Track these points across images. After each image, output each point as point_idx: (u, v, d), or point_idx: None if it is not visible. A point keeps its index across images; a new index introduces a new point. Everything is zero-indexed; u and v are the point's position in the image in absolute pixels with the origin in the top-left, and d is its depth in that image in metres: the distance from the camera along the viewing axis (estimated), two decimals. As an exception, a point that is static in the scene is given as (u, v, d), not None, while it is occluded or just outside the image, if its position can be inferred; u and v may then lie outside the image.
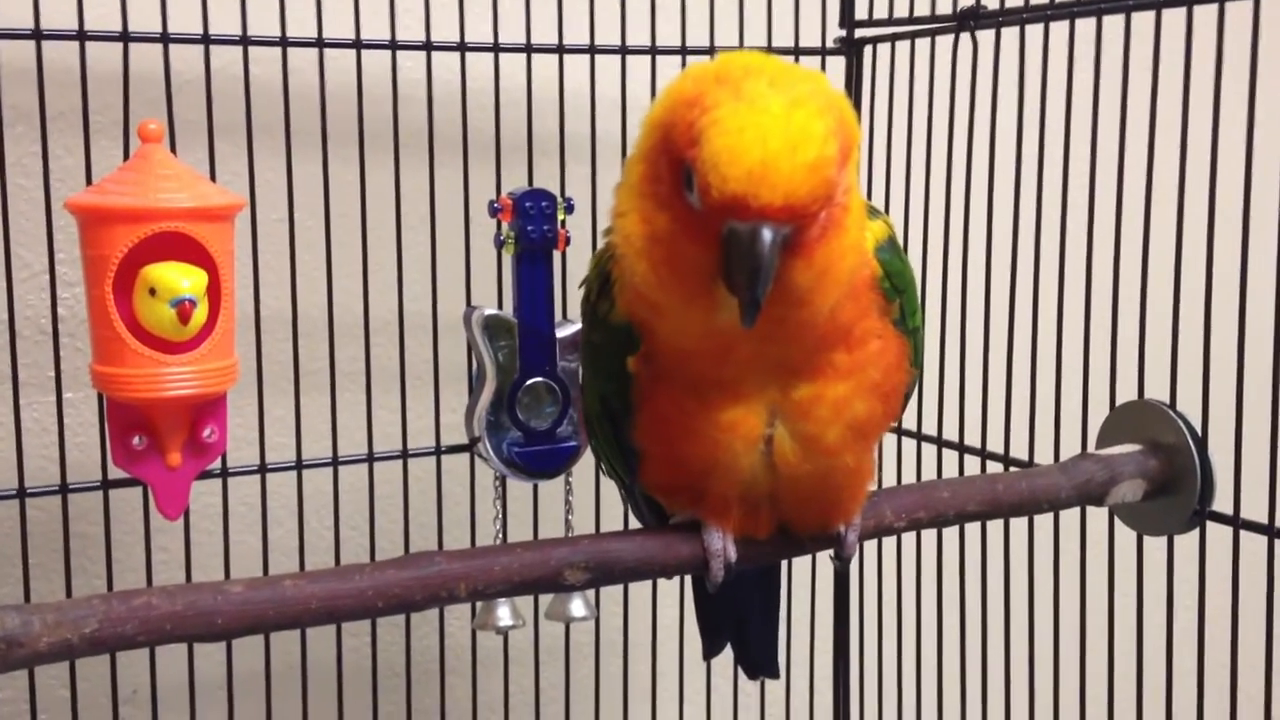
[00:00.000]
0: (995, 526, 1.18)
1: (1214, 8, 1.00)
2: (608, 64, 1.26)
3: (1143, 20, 1.06)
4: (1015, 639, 1.19)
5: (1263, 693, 1.02)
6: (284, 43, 1.13)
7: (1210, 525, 1.03)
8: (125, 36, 1.08)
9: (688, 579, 1.17)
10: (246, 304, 1.13)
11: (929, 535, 1.22)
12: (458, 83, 1.20)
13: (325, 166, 1.16)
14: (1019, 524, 1.15)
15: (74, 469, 1.13)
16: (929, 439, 1.31)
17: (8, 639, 0.70)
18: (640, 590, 1.37)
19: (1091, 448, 1.08)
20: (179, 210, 1.02)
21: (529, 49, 1.22)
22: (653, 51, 1.26)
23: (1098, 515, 1.10)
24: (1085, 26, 1.11)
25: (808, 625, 1.40)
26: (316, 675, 1.21)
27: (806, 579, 1.40)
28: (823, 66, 1.33)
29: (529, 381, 1.19)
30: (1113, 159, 1.08)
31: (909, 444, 1.33)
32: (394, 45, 1.17)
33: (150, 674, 1.14)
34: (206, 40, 1.11)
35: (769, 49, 1.28)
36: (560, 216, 1.19)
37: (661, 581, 1.35)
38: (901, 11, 1.27)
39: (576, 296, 1.18)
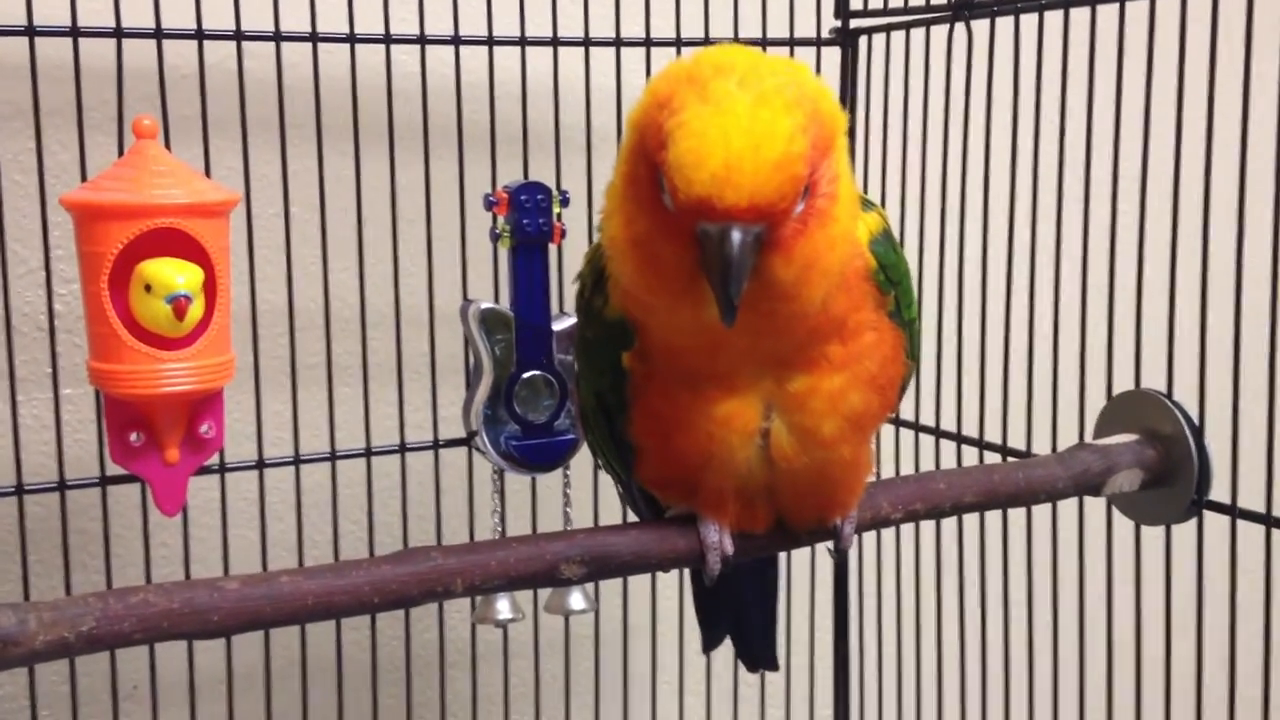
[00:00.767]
0: (994, 517, 1.18)
1: (1208, -3, 1.00)
2: (603, 56, 1.26)
3: (1137, 10, 1.06)
4: (1014, 629, 1.20)
5: (1261, 680, 1.02)
6: (278, 37, 1.13)
7: (1207, 515, 1.03)
8: (119, 32, 1.08)
9: (686, 572, 1.17)
10: (243, 299, 1.13)
11: (928, 526, 1.22)
12: (452, 76, 1.20)
13: (320, 161, 1.16)
14: (1017, 514, 1.15)
15: (72, 466, 1.13)
16: (926, 429, 1.31)
17: (4, 638, 0.70)
18: (640, 583, 1.37)
19: (1089, 438, 1.08)
20: (174, 206, 1.02)
21: (523, 41, 1.22)
22: (647, 44, 1.26)
23: (1095, 505, 1.10)
24: (1080, 16, 1.11)
25: (807, 617, 1.40)
26: (316, 670, 1.21)
27: (806, 571, 1.40)
28: (818, 57, 1.33)
29: (526, 375, 1.19)
30: (1108, 148, 1.08)
31: (906, 434, 1.33)
32: (388, 39, 1.17)
33: (150, 670, 1.15)
34: (200, 35, 1.11)
35: (764, 40, 1.29)
36: (555, 209, 1.18)
37: (660, 574, 1.35)
38: (896, 2, 1.27)
39: (572, 290, 1.18)
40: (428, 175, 1.20)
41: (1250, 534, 1.02)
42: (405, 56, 1.20)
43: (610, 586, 1.38)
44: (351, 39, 1.15)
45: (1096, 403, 1.11)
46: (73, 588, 1.14)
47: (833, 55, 1.34)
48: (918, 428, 1.32)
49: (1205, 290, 1.02)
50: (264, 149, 1.16)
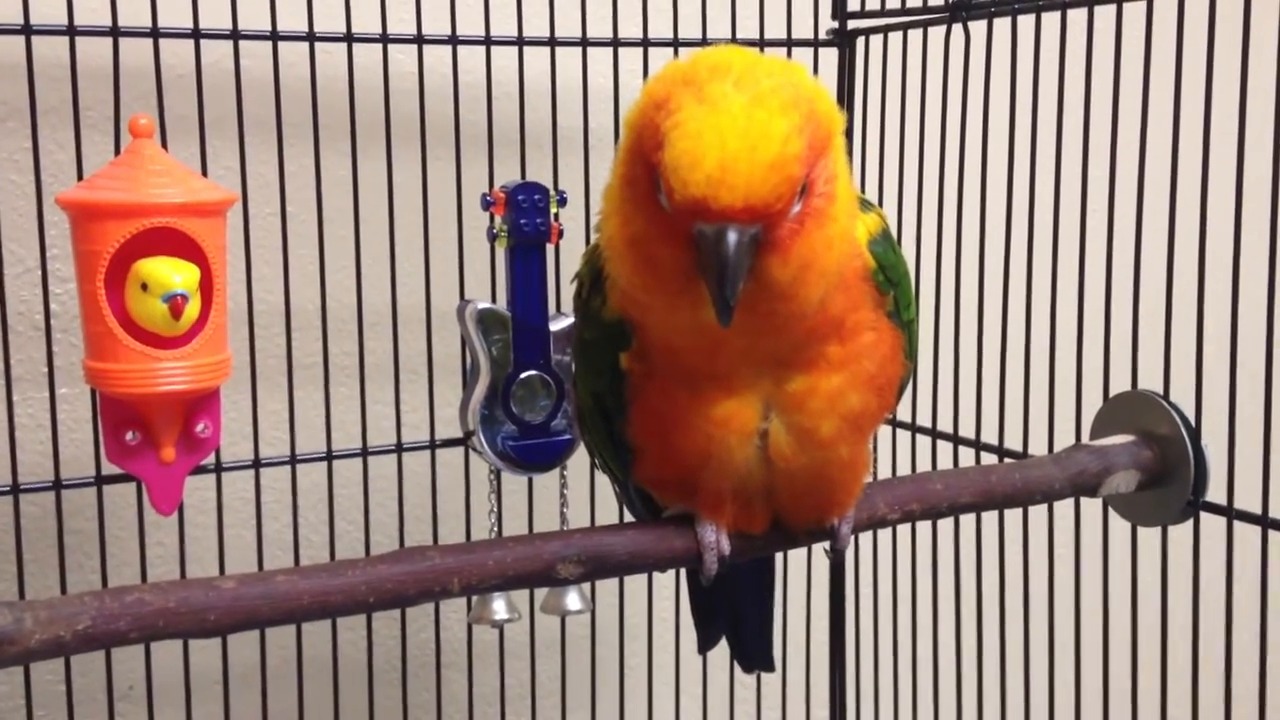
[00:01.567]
0: (990, 518, 1.18)
1: (1206, -2, 1.00)
2: (600, 56, 1.26)
3: (1134, 10, 1.06)
4: (1010, 630, 1.19)
5: (1257, 681, 1.02)
6: (275, 37, 1.13)
7: (1204, 516, 1.03)
8: (115, 31, 1.08)
9: (683, 572, 1.17)
10: (239, 298, 1.13)
11: (924, 526, 1.22)
12: (449, 76, 1.20)
13: (317, 160, 1.15)
14: (1013, 515, 1.15)
15: (68, 465, 1.13)
16: (923, 430, 1.31)
17: (0, 637, 0.70)
18: (636, 583, 1.37)
19: (1085, 439, 1.08)
20: (170, 205, 1.02)
21: (520, 42, 1.22)
22: (645, 44, 1.26)
23: (1092, 506, 1.10)
24: (1077, 16, 1.11)
25: (803, 617, 1.40)
26: (312, 670, 1.21)
27: (802, 572, 1.40)
28: (815, 58, 1.33)
29: (523, 375, 1.19)
30: (1105, 149, 1.08)
31: (903, 435, 1.33)
32: (385, 39, 1.17)
33: (146, 669, 1.15)
34: (197, 35, 1.10)
35: (762, 41, 1.29)
36: (553, 209, 1.18)
37: (657, 574, 1.35)
38: (894, 3, 1.27)
39: (570, 290, 1.18)
40: (425, 175, 1.20)
41: (1246, 535, 1.02)
42: (402, 56, 1.20)
43: (606, 587, 1.38)
44: (349, 38, 1.15)
45: (1093, 404, 1.11)
46: (68, 587, 1.14)
47: (830, 56, 1.34)
48: (914, 429, 1.32)
49: (1202, 291, 1.02)
50: (261, 148, 1.16)
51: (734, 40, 1.28)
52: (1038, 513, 1.12)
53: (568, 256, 1.22)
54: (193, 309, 1.03)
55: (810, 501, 0.88)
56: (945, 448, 1.27)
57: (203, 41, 1.11)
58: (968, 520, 1.20)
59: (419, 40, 1.18)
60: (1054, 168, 1.14)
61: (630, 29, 1.26)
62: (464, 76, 1.20)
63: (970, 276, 1.22)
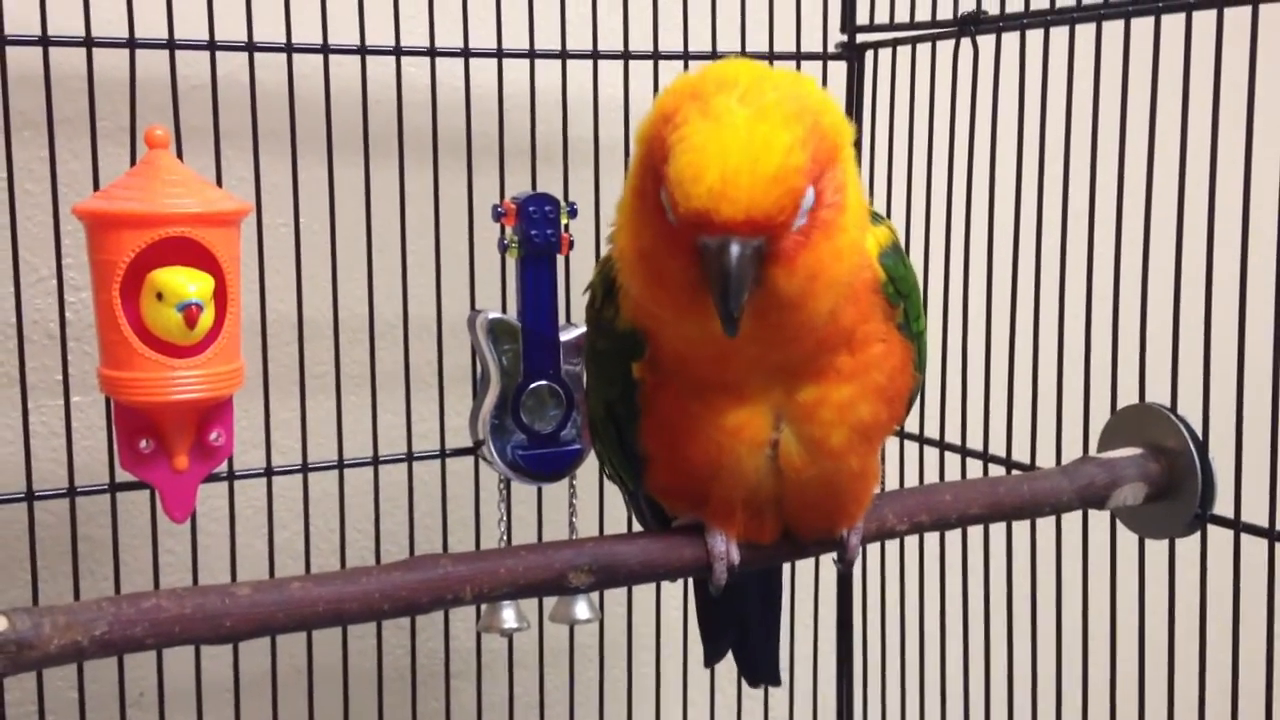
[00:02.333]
0: (997, 530, 1.19)
1: (1213, 13, 1.00)
2: (610, 69, 1.27)
3: (1142, 25, 1.07)
4: (1018, 642, 1.20)
5: (1264, 695, 1.02)
6: (289, 49, 1.14)
7: (1211, 528, 1.04)
8: (132, 43, 1.09)
9: (690, 583, 1.18)
10: (252, 308, 1.14)
11: (931, 538, 1.23)
12: (462, 88, 1.21)
13: (330, 171, 1.16)
14: (1021, 527, 1.16)
15: (81, 472, 1.13)
16: (931, 442, 1.31)
17: (19, 641, 0.71)
18: (644, 593, 1.38)
19: (1093, 451, 1.09)
20: (186, 215, 1.03)
21: (532, 54, 1.23)
22: (655, 57, 1.27)
23: (1099, 518, 1.11)
24: (1085, 31, 1.12)
25: (811, 630, 1.41)
26: (322, 678, 1.22)
27: (809, 584, 1.40)
28: (824, 71, 1.34)
29: (533, 385, 1.20)
30: (1113, 163, 1.09)
31: (911, 447, 1.34)
32: (398, 51, 1.18)
33: (158, 676, 1.15)
34: (212, 46, 1.11)
35: (771, 54, 1.30)
36: (563, 220, 1.19)
37: (666, 584, 1.36)
38: (903, 17, 1.28)
39: (580, 300, 1.19)
40: (436, 185, 1.21)
41: (1254, 548, 1.02)
42: (415, 69, 1.21)
43: (615, 597, 1.38)
44: (362, 51, 1.16)
45: (1101, 416, 1.11)
46: (81, 594, 1.15)
47: (839, 70, 1.35)
48: (922, 440, 1.32)
49: (1209, 304, 1.03)
50: (274, 159, 1.17)
51: (743, 53, 1.29)
52: (1045, 524, 1.12)
53: (578, 267, 1.23)
54: (207, 318, 1.03)
55: (820, 512, 0.89)
56: (953, 459, 1.27)
57: (218, 53, 1.12)
58: (975, 531, 1.20)
59: (432, 53, 1.19)
60: (1062, 181, 1.14)
61: (641, 42, 1.27)
62: (476, 88, 1.21)
63: (978, 288, 1.22)
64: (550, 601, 1.27)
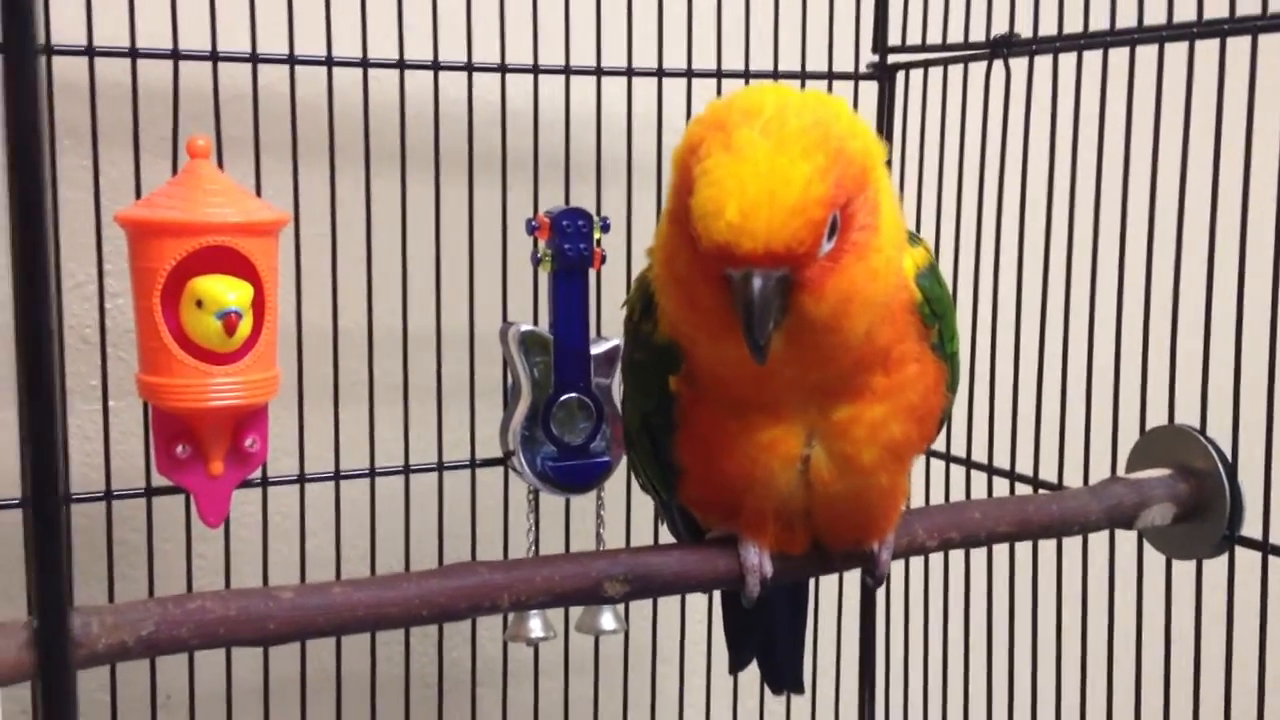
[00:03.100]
0: (1023, 547, 1.19)
1: (1248, 39, 1.01)
2: (644, 86, 1.28)
3: (1176, 50, 1.08)
4: (1042, 660, 1.20)
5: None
6: (329, 62, 1.16)
7: (1239, 550, 1.04)
8: (175, 54, 1.11)
9: (716, 593, 1.18)
10: (288, 317, 1.15)
11: (955, 553, 1.23)
12: (498, 103, 1.22)
13: (367, 183, 1.18)
14: (1047, 545, 1.16)
15: (118, 476, 1.15)
16: (958, 460, 1.32)
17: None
18: (669, 604, 1.39)
19: (1121, 471, 1.09)
20: (226, 225, 1.04)
21: (567, 70, 1.24)
22: (689, 75, 1.28)
23: (1126, 538, 1.11)
24: (1118, 56, 1.13)
25: (834, 640, 1.41)
26: (351, 684, 1.23)
27: (833, 595, 1.41)
28: (855, 92, 1.35)
29: (563, 397, 1.21)
30: (1145, 186, 1.10)
31: (937, 464, 1.35)
32: (436, 66, 1.19)
33: (189, 679, 1.16)
34: (255, 59, 1.13)
35: (803, 74, 1.31)
36: (596, 235, 1.20)
37: (690, 596, 1.36)
38: (935, 38, 1.29)
39: (611, 313, 1.20)
40: (471, 199, 1.22)
41: (1281, 570, 1.03)
42: (451, 84, 1.23)
43: (639, 608, 1.39)
44: (400, 65, 1.18)
45: (1128, 437, 1.12)
46: (115, 595, 1.16)
47: (870, 90, 1.36)
48: (949, 458, 1.33)
49: (1240, 327, 1.03)
50: (313, 170, 1.18)
51: (776, 72, 1.30)
52: (1072, 544, 1.13)
53: (609, 281, 1.24)
54: (245, 326, 1.05)
55: (849, 525, 0.90)
56: (980, 478, 1.28)
57: (260, 65, 1.13)
58: (1000, 547, 1.21)
59: (469, 68, 1.21)
60: (1093, 203, 1.15)
61: (675, 60, 1.28)
62: (511, 104, 1.23)
63: (1008, 309, 1.23)
64: (576, 612, 1.27)
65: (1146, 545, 1.11)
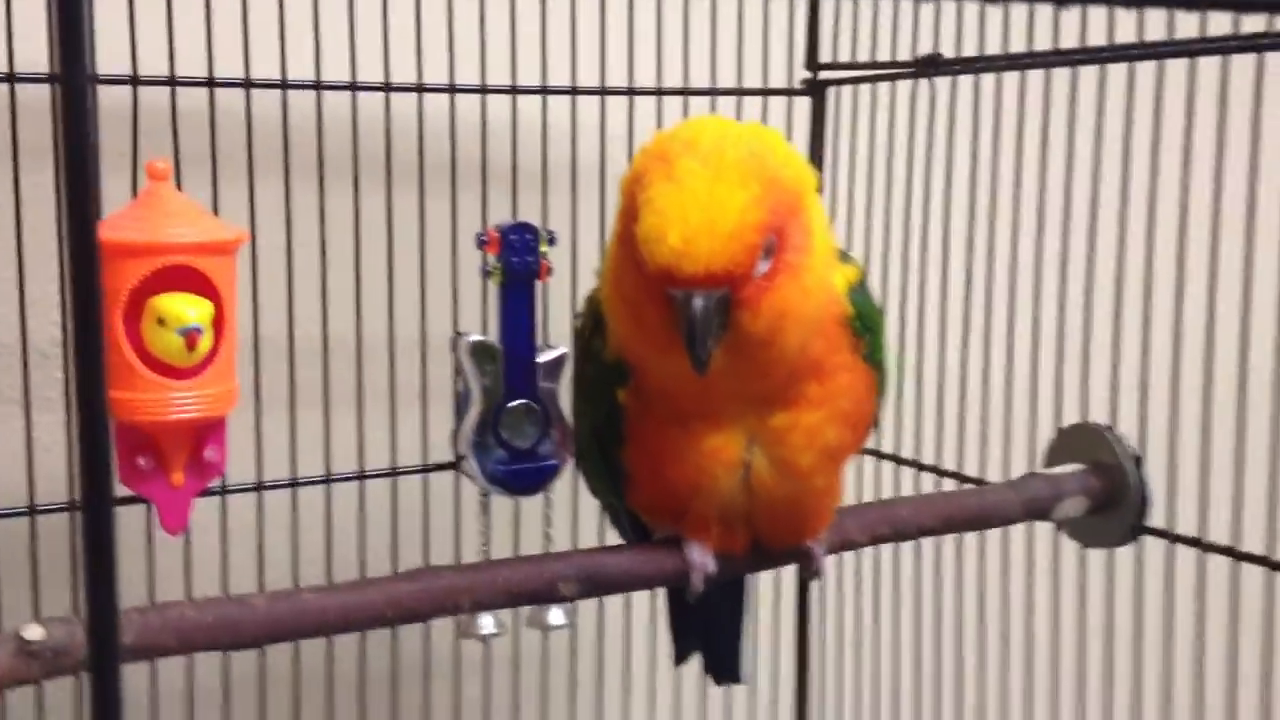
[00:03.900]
0: (948, 539, 1.26)
1: (1154, 64, 1.09)
2: (588, 103, 1.33)
3: (1089, 74, 1.15)
4: (966, 643, 1.27)
5: (1192, 691, 1.10)
6: (284, 85, 1.19)
7: (1147, 539, 1.11)
8: (135, 80, 1.14)
9: (661, 590, 1.23)
10: (245, 328, 1.18)
11: (886, 545, 1.29)
12: (447, 121, 1.26)
13: (321, 199, 1.21)
14: (970, 536, 1.23)
15: (80, 487, 1.17)
16: (887, 456, 1.38)
17: (55, 648, 0.76)
18: (614, 600, 1.43)
19: (1038, 466, 1.16)
20: (186, 245, 1.07)
21: (514, 90, 1.29)
22: (630, 92, 1.33)
23: (1044, 529, 1.18)
24: (1035, 78, 1.20)
25: (771, 633, 1.47)
26: (309, 681, 1.27)
27: (771, 590, 1.47)
28: (789, 107, 1.40)
29: (511, 403, 1.25)
30: (1059, 197, 1.17)
31: (869, 461, 1.41)
32: (387, 87, 1.23)
33: (151, 682, 1.19)
34: (211, 83, 1.16)
35: (740, 90, 1.36)
36: (542, 248, 1.25)
37: (635, 593, 1.42)
38: (864, 56, 1.34)
39: (556, 323, 1.25)
40: (422, 213, 1.26)
41: (1185, 556, 1.10)
42: (403, 104, 1.27)
43: (587, 603, 1.44)
44: (353, 87, 1.22)
45: (1045, 433, 1.19)
46: (79, 606, 1.19)
47: (803, 105, 1.42)
48: (879, 455, 1.39)
49: (1147, 331, 1.11)
50: (268, 187, 1.22)
51: (713, 88, 1.36)
52: (994, 533, 1.19)
53: (555, 292, 1.29)
54: (206, 342, 1.08)
55: (787, 526, 0.95)
56: (908, 472, 1.35)
57: (216, 90, 1.16)
58: (927, 541, 1.27)
59: (419, 89, 1.25)
60: (1011, 215, 1.22)
61: (617, 78, 1.33)
62: (460, 121, 1.27)
63: (933, 317, 1.30)
64: (526, 608, 1.32)
65: (1062, 535, 1.17)
